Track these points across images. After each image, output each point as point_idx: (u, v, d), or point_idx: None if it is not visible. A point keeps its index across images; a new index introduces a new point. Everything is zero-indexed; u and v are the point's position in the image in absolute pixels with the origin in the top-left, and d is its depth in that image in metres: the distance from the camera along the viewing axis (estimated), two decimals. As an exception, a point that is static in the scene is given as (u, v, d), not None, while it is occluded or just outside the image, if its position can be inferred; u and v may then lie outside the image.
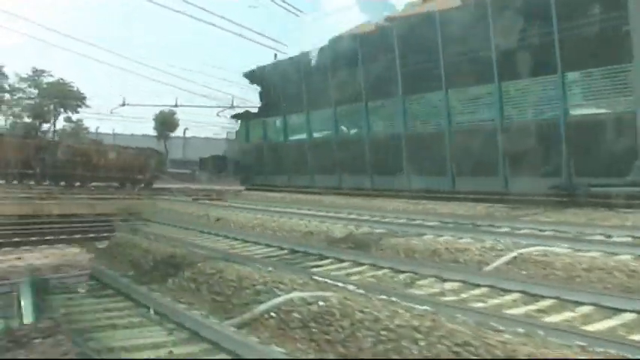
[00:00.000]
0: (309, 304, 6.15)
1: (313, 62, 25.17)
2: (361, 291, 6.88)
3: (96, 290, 8.02)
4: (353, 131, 23.69)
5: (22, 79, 45.63)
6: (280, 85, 26.97)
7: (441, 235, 9.98)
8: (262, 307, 6.22)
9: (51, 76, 43.18)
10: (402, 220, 12.20)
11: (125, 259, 10.05)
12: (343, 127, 24.01)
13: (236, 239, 11.64)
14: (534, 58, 16.85)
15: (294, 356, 5.07)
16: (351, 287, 7.05)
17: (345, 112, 23.61)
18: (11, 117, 46.03)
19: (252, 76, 29.78)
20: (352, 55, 22.65)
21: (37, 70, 43.96)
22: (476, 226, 11.05)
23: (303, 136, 25.96)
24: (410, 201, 15.10)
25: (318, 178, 24.70)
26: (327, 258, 9.24)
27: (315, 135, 25.39)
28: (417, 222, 11.85)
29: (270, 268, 8.24)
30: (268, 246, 10.66)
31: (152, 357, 5.26)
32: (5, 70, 45.00)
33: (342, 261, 8.97)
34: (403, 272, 8.03)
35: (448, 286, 7.30)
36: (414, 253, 8.97)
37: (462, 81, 18.91)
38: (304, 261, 9.24)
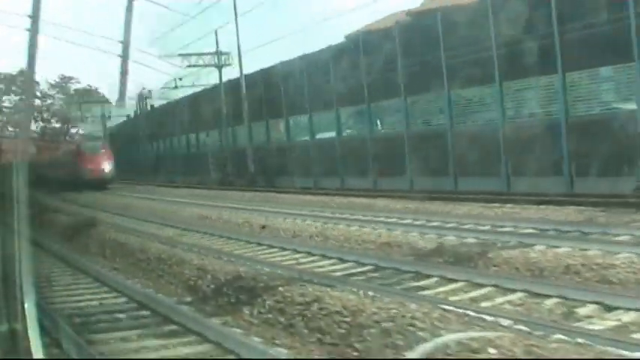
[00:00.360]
0: (476, 350, 4.40)
1: (338, 58, 23.40)
2: (523, 327, 5.15)
3: (152, 325, 6.24)
4: (389, 128, 21.95)
5: (52, 86, 46.73)
6: (301, 82, 25.16)
7: (556, 247, 8.24)
8: (410, 357, 4.46)
9: (78, 82, 43.24)
10: (486, 227, 10.47)
11: (175, 279, 8.28)
12: (378, 124, 22.25)
13: (297, 251, 9.87)
14: (605, 44, 15.10)
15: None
16: (505, 322, 5.30)
17: (380, 108, 21.85)
18: (40, 122, 47.25)
19: (265, 74, 28.03)
20: (386, 48, 20.91)
21: (64, 77, 44.04)
22: (584, 234, 9.30)
23: (332, 134, 24.22)
24: (474, 204, 13.31)
25: (348, 179, 22.92)
26: (428, 277, 7.50)
27: (345, 133, 23.66)
28: (507, 229, 10.11)
29: (370, 293, 6.52)
30: (342, 260, 8.90)
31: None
32: (36, 77, 45.38)
33: (452, 280, 7.22)
34: (546, 296, 6.28)
35: (626, 317, 5.54)
36: (541, 270, 7.21)
37: (517, 72, 17.14)
38: (401, 281, 7.50)
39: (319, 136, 25.04)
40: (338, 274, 8.11)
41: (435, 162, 19.51)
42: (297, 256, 9.60)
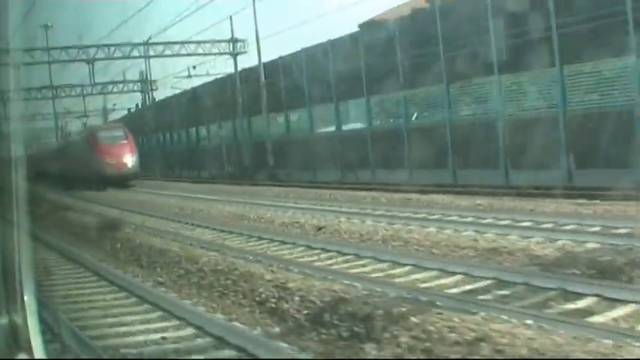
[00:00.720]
0: None
1: (369, 43, 21.71)
2: None
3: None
4: (427, 118, 20.29)
5: None
6: (325, 70, 23.44)
7: None
8: None
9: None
10: (595, 229, 8.88)
11: (246, 300, 6.61)
12: (415, 114, 20.58)
13: (378, 260, 8.22)
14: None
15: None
16: None
17: (419, 95, 20.18)
18: None
19: (285, 62, 26.34)
20: (424, 31, 19.24)
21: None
22: None
23: (360, 125, 22.58)
24: (561, 201, 11.59)
25: (380, 172, 21.27)
26: (581, 296, 5.87)
27: (376, 123, 22.02)
28: (623, 231, 8.53)
29: (528, 321, 4.90)
30: (446, 272, 7.26)
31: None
32: None
33: (618, 302, 5.62)
34: None
35: None
36: None
37: (583, 54, 15.46)
38: (549, 302, 5.89)
39: (346, 127, 23.39)
40: (453, 291, 6.47)
41: (482, 153, 17.89)
42: (381, 266, 7.96)
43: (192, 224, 13.42)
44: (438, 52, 18.88)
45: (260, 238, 10.73)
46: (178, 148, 38.43)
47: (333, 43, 23.25)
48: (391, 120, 21.80)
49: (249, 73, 29.02)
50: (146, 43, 28.78)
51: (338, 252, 8.97)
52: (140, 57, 29.58)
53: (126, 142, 27.84)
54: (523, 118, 17.07)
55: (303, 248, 9.57)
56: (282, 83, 26.43)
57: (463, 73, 18.45)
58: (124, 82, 38.03)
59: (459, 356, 4.30)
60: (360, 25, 29.96)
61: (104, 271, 9.13)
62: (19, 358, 3.20)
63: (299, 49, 25.00)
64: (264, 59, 27.49)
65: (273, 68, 27.11)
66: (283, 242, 10.14)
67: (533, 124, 16.76)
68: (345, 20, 37.89)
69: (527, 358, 4.07)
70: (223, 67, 30.29)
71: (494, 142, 17.38)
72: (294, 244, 9.91)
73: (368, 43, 21.61)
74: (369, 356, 4.69)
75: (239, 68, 29.88)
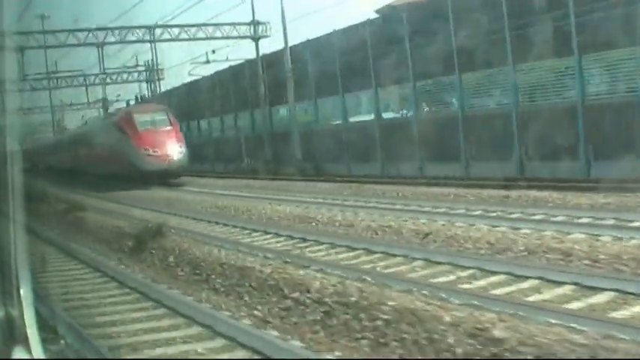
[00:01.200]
0: None
1: (415, 22, 19.62)
2: None
3: None
4: (483, 104, 18.33)
5: None
6: (362, 54, 21.33)
7: None
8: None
9: None
10: None
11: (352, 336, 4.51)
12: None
13: (549, 281, 6.17)
14: None
15: None
16: None
17: (476, 79, 18.15)
18: None
19: (312, 46, 24.21)
20: (486, 6, 17.22)
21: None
22: None
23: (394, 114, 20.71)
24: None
25: (429, 165, 19.25)
26: None
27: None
28: None
29: None
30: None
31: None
32: None
33: None
34: None
35: None
36: None
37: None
38: None
39: (386, 115, 21.34)
40: None
41: (557, 142, 15.86)
42: (563, 291, 5.89)
43: (245, 228, 11.30)
44: (499, 30, 16.84)
45: (350, 249, 8.61)
46: (187, 141, 36.14)
47: (372, 24, 21.13)
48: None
49: (269, 59, 26.79)
50: (159, 26, 26.36)
51: (478, 269, 6.87)
52: (153, 41, 27.05)
53: (171, 127, 22.99)
54: (611, 102, 15.06)
55: (421, 263, 7.47)
56: (309, 69, 24.25)
57: (533, 54, 16.44)
58: (128, 70, 35.49)
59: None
60: (377, 11, 27.83)
61: (169, 299, 6.93)
62: (15, 352, 3.09)
63: (331, 32, 22.80)
64: (280, 46, 25.16)
65: (298, 53, 24.91)
66: (388, 254, 8.02)
67: (618, 109, 14.77)
68: (342, 15, 35.58)
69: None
70: (245, 52, 27.99)
71: (576, 130, 15.37)
72: (405, 257, 7.80)
73: (414, 23, 19.48)
74: None
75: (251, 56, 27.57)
